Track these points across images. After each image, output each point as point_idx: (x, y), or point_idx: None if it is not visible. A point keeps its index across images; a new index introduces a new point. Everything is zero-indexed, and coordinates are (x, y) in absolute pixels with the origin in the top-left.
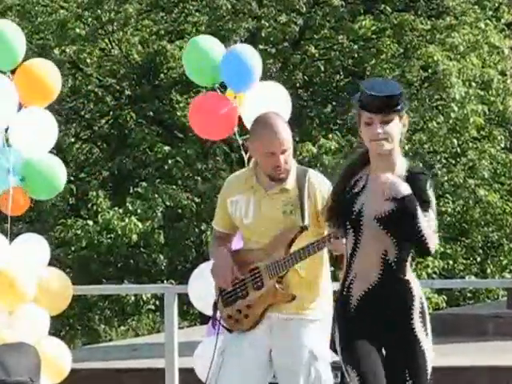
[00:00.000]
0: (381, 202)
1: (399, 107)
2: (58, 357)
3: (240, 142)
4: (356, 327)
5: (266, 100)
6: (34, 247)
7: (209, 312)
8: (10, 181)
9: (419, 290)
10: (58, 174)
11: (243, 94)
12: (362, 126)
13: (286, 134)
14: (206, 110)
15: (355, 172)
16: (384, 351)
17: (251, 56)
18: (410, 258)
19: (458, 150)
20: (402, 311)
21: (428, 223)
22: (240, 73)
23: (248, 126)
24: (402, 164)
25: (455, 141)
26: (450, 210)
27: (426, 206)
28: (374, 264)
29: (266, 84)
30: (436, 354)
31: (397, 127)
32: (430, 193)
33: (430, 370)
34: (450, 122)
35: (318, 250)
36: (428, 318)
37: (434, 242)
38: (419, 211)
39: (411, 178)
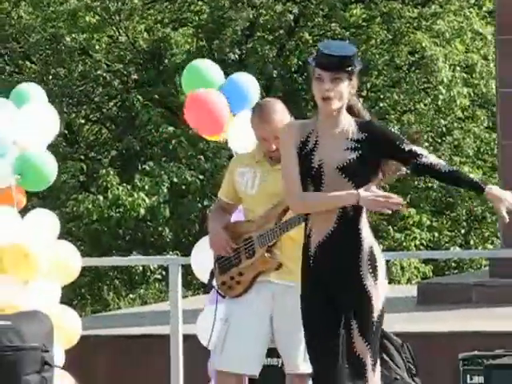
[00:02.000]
0: (341, 152)
1: (349, 68)
2: (68, 324)
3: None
4: (313, 280)
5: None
6: (46, 221)
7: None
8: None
9: (371, 238)
10: (52, 168)
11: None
12: (314, 81)
13: (277, 122)
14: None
15: (305, 128)
16: (334, 299)
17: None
18: (365, 210)
19: (444, 129)
20: (351, 259)
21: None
22: (240, 97)
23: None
24: (350, 122)
25: (442, 121)
26: (435, 186)
27: (400, 140)
28: (333, 214)
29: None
30: (423, 322)
31: (345, 87)
32: (391, 129)
33: (376, 317)
34: (439, 103)
35: (303, 220)
36: (380, 265)
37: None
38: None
39: (368, 128)
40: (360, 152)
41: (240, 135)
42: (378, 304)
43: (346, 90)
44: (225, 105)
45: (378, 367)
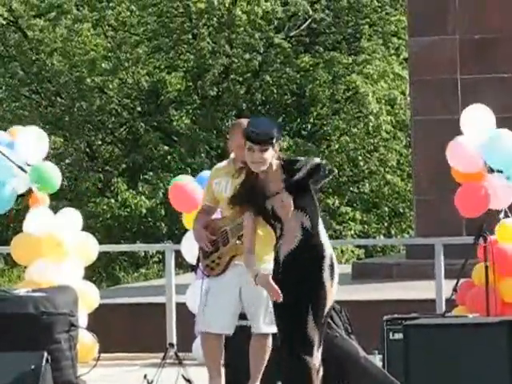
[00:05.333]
0: (278, 194)
1: (272, 141)
2: (90, 295)
3: None
4: (282, 279)
5: None
6: (72, 218)
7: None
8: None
9: (330, 249)
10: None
11: None
12: (246, 150)
13: None
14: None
15: (253, 184)
16: (297, 292)
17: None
18: (321, 226)
19: (373, 147)
20: (315, 264)
21: None
22: None
23: None
24: (278, 170)
25: (371, 141)
26: (366, 190)
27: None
28: (296, 232)
29: None
30: (356, 292)
31: (270, 154)
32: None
33: (327, 310)
34: (369, 129)
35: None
36: (336, 270)
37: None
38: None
39: (287, 168)
40: (289, 190)
41: None
42: (330, 300)
43: (270, 156)
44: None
45: (321, 347)
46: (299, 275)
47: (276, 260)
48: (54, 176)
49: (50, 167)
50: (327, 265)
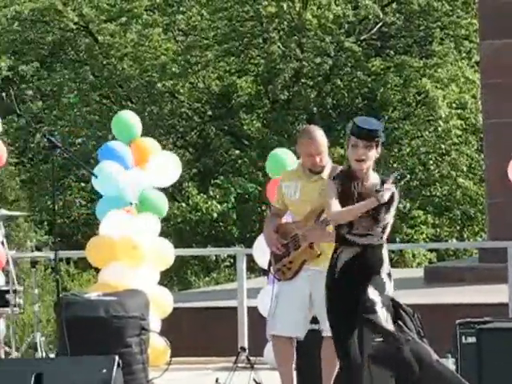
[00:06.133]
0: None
1: (377, 139)
2: (164, 300)
3: None
4: (338, 287)
5: None
6: (149, 222)
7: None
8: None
9: (387, 258)
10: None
11: None
12: (350, 147)
13: (320, 142)
14: None
15: (344, 182)
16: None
17: None
18: (385, 237)
19: (444, 151)
20: (375, 271)
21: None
22: None
23: None
24: (374, 177)
25: (442, 145)
26: (438, 193)
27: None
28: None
29: None
30: (429, 296)
31: (373, 152)
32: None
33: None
34: (439, 132)
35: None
36: (392, 276)
37: None
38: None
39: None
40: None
41: None
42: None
43: (373, 155)
44: None
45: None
46: (359, 280)
47: (333, 266)
48: (161, 204)
49: (157, 196)
50: (385, 273)
